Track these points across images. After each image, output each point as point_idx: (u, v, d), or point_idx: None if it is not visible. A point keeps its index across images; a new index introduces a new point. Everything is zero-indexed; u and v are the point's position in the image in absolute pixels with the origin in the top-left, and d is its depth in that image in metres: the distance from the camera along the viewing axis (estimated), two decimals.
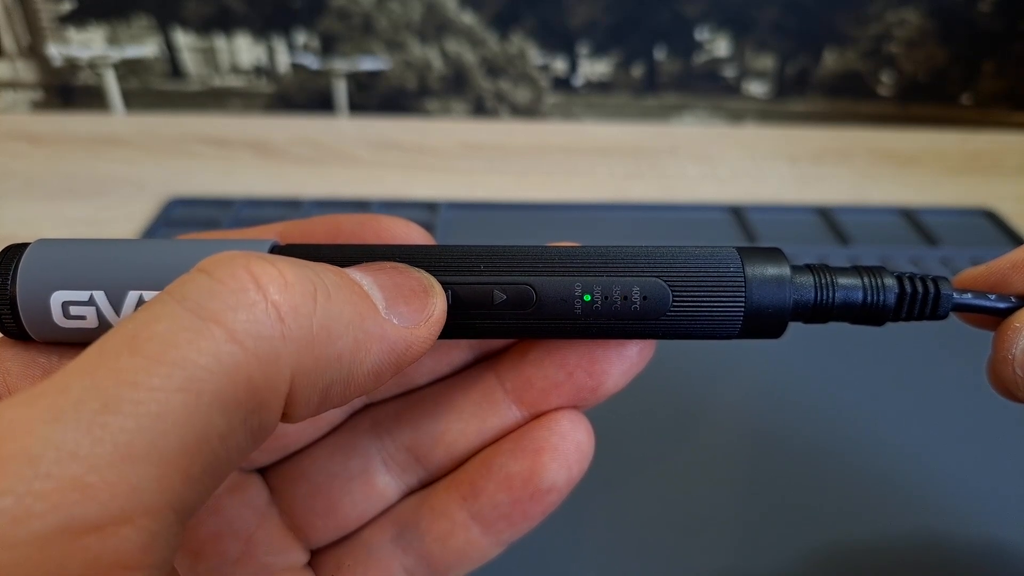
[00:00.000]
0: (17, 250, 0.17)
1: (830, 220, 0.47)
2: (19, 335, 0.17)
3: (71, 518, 0.10)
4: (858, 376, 0.34)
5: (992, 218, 0.48)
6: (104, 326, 0.17)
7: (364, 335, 0.14)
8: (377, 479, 0.20)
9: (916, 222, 0.46)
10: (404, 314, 0.15)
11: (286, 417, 0.14)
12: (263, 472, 0.21)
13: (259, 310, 0.12)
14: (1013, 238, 0.46)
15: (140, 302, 0.16)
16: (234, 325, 0.12)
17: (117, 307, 0.16)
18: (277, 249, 0.17)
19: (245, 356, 0.12)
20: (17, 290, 0.16)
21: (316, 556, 0.20)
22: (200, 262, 0.13)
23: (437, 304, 0.16)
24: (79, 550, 0.10)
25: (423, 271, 0.16)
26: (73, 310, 0.16)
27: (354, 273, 0.15)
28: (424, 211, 0.46)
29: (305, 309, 0.13)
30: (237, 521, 0.19)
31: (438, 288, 0.16)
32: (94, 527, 0.10)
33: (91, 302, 0.16)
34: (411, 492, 0.20)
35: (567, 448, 0.18)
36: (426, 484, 0.20)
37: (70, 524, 0.10)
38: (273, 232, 0.19)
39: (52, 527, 0.10)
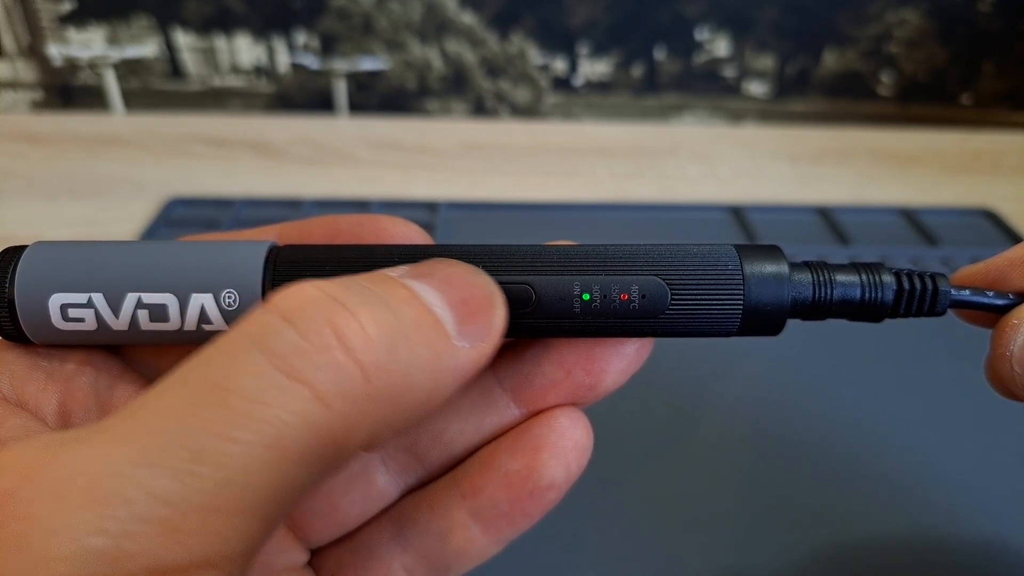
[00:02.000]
0: (15, 252, 0.17)
1: (830, 220, 0.47)
2: (17, 337, 0.17)
3: (160, 561, 0.11)
4: (857, 374, 0.34)
5: (992, 218, 0.48)
6: (103, 328, 0.17)
7: (441, 373, 0.14)
8: (376, 478, 0.20)
9: (916, 222, 0.46)
10: (472, 334, 0.15)
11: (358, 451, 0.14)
12: None
13: (344, 371, 0.13)
14: (1013, 238, 0.46)
15: (139, 304, 0.16)
16: (320, 387, 0.12)
17: (116, 309, 0.16)
18: (276, 250, 0.17)
19: (329, 416, 0.12)
20: (15, 293, 0.16)
21: (316, 555, 0.20)
22: (278, 300, 0.13)
23: (501, 315, 0.16)
24: None
25: (482, 273, 0.16)
26: (72, 312, 0.16)
27: (425, 291, 0.15)
28: (424, 211, 0.46)
29: (388, 364, 0.13)
30: None
31: (500, 296, 0.16)
32: (179, 570, 0.11)
33: (89, 304, 0.16)
34: (410, 491, 0.20)
35: (566, 445, 0.18)
36: (425, 483, 0.20)
37: (158, 566, 0.11)
38: (272, 233, 0.19)
39: (142, 569, 0.11)
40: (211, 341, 0.13)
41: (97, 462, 0.11)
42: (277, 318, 0.13)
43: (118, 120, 0.60)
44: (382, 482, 0.20)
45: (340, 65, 0.59)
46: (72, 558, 0.10)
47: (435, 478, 0.20)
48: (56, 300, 0.16)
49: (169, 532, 0.11)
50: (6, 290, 0.16)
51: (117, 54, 0.58)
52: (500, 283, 0.17)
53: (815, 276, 0.17)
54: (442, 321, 0.14)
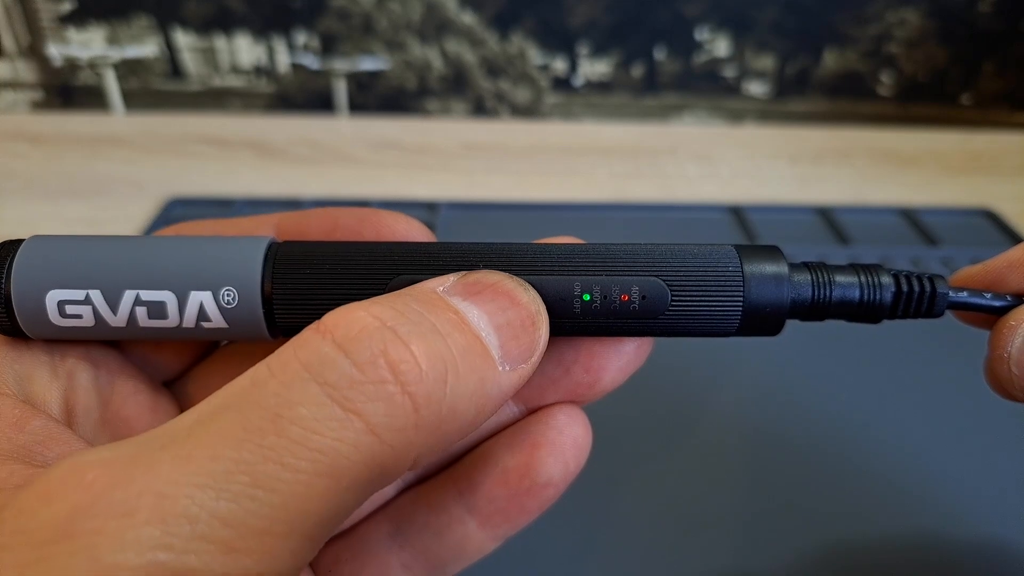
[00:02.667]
0: (11, 247, 0.17)
1: (830, 220, 0.47)
2: (14, 333, 0.17)
3: None
4: (855, 375, 0.34)
5: (992, 218, 0.48)
6: (100, 325, 0.17)
7: (484, 399, 0.14)
8: None
9: (916, 222, 0.46)
10: (516, 357, 0.15)
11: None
12: None
13: (396, 404, 0.13)
14: (1013, 238, 0.46)
15: (137, 301, 0.16)
16: (374, 420, 0.13)
17: (114, 306, 0.16)
18: (275, 246, 0.17)
19: (381, 447, 0.13)
20: (12, 288, 0.16)
21: None
22: (332, 327, 0.13)
23: (543, 335, 0.16)
24: None
25: (530, 289, 0.16)
26: (69, 309, 0.16)
27: (473, 314, 0.15)
28: (424, 211, 0.46)
29: (437, 395, 0.13)
30: None
31: (544, 315, 0.16)
32: None
33: (87, 301, 0.16)
34: (408, 487, 0.20)
35: (564, 442, 0.18)
36: (423, 479, 0.20)
37: None
38: (270, 224, 0.19)
39: None
40: (263, 363, 0.13)
41: (163, 482, 0.12)
42: (332, 347, 0.13)
43: (118, 120, 0.60)
44: None
45: (340, 65, 0.59)
46: (139, 569, 0.11)
47: (433, 475, 0.20)
48: (53, 296, 0.16)
49: (228, 551, 0.11)
50: (2, 285, 0.16)
51: (117, 54, 0.58)
52: None
53: (814, 277, 0.17)
54: (489, 347, 0.15)
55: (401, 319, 0.14)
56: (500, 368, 0.15)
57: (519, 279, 0.16)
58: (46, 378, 0.17)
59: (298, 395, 0.13)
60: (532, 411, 0.19)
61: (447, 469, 0.20)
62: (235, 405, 0.13)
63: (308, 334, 0.13)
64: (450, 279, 0.16)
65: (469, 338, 0.15)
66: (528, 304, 0.16)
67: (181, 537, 0.11)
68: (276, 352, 0.13)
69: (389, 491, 0.20)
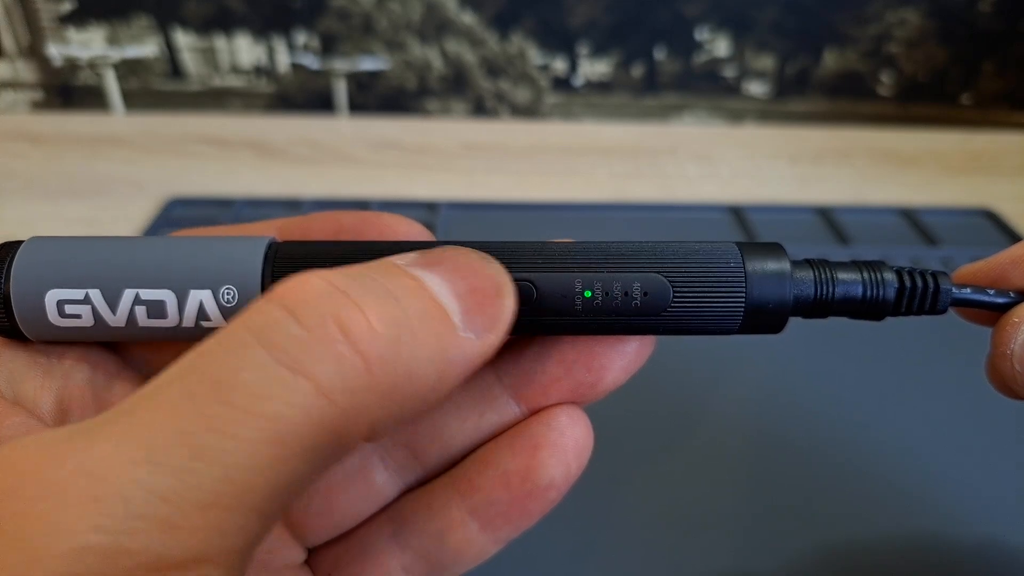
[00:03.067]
0: (11, 248, 0.17)
1: (830, 220, 0.46)
2: (13, 334, 0.17)
3: (158, 557, 0.11)
4: (858, 373, 0.34)
5: (992, 218, 0.48)
6: (100, 325, 0.16)
7: (445, 364, 0.14)
8: (375, 476, 0.20)
9: (916, 222, 0.46)
10: (479, 325, 0.15)
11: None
12: None
13: (347, 363, 0.12)
14: (1013, 238, 0.46)
15: (136, 300, 0.16)
16: (323, 380, 0.12)
17: (113, 305, 0.16)
18: (275, 246, 0.17)
19: (332, 410, 0.12)
20: (11, 289, 0.16)
21: (313, 554, 0.20)
22: (281, 292, 0.13)
23: (509, 306, 0.15)
24: None
25: (493, 261, 0.16)
26: (68, 308, 0.16)
27: (431, 280, 0.14)
28: (424, 211, 0.46)
29: (390, 355, 0.13)
30: None
31: (510, 284, 0.15)
32: (178, 565, 0.11)
33: (87, 300, 0.16)
34: (409, 489, 0.20)
35: (565, 444, 0.18)
36: (424, 481, 0.20)
37: (157, 562, 0.11)
38: (272, 229, 0.19)
39: (141, 565, 0.11)
40: (211, 334, 0.13)
41: (96, 460, 0.11)
42: (280, 310, 0.13)
43: (118, 120, 0.60)
44: (380, 480, 0.20)
45: (340, 65, 0.59)
46: (70, 555, 0.10)
47: (434, 477, 0.20)
48: (53, 296, 0.16)
49: (168, 529, 0.11)
50: (1, 286, 0.16)
51: (117, 54, 0.58)
52: None
53: (817, 274, 0.17)
54: (448, 312, 0.14)
55: (354, 284, 0.13)
56: (462, 334, 0.14)
57: (484, 253, 0.16)
58: (39, 379, 0.17)
59: (242, 360, 0.12)
60: (533, 412, 0.19)
61: (448, 471, 0.20)
62: (179, 375, 0.12)
63: (258, 302, 0.13)
64: (411, 254, 0.15)
65: (426, 302, 0.14)
66: (491, 274, 0.15)
67: (115, 517, 0.11)
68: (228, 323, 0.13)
69: (390, 493, 0.20)
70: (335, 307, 0.13)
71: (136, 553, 0.11)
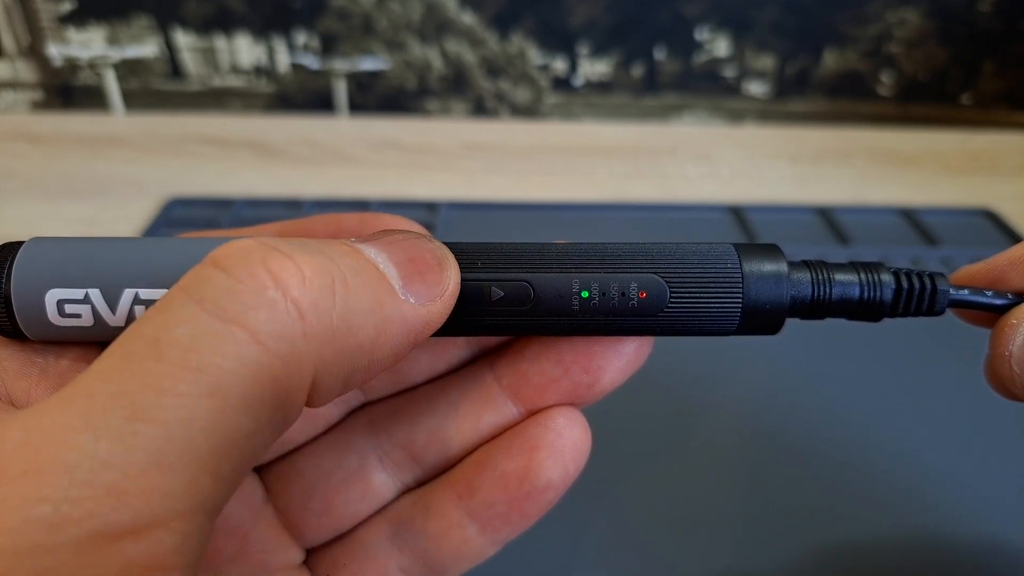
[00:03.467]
0: (12, 248, 0.17)
1: (830, 220, 0.46)
2: (13, 334, 0.17)
3: (107, 524, 0.11)
4: (856, 374, 0.34)
5: (992, 218, 0.48)
6: (100, 324, 0.16)
7: (384, 321, 0.14)
8: (373, 477, 0.20)
9: (916, 222, 0.46)
10: (420, 291, 0.15)
11: (307, 404, 0.14)
12: (259, 470, 0.21)
13: (280, 309, 0.12)
14: (1013, 238, 0.46)
15: (136, 300, 0.16)
16: (256, 326, 0.12)
17: (113, 305, 0.16)
18: None
19: (268, 357, 0.12)
20: (12, 288, 0.16)
21: (312, 555, 0.20)
22: (212, 254, 0.13)
23: (451, 277, 0.16)
24: (115, 554, 0.11)
25: (434, 239, 0.16)
26: (68, 308, 0.16)
27: (368, 250, 0.15)
28: (424, 211, 0.46)
29: (325, 304, 0.13)
30: (232, 519, 0.19)
31: (451, 259, 0.16)
32: (129, 531, 0.11)
33: (86, 300, 0.16)
34: (407, 490, 0.20)
35: (563, 445, 0.18)
36: (422, 482, 0.20)
37: (106, 529, 0.11)
38: (272, 231, 0.19)
39: (88, 533, 0.10)
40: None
41: (37, 432, 0.11)
42: (211, 267, 0.13)
43: (118, 120, 0.60)
44: (378, 481, 0.20)
45: (340, 65, 0.59)
46: (14, 530, 0.10)
47: (432, 478, 0.20)
48: (52, 296, 0.16)
49: (114, 494, 0.11)
50: (2, 286, 0.16)
51: (117, 54, 0.58)
52: (498, 280, 0.17)
53: (814, 275, 0.17)
54: (386, 275, 0.14)
55: (285, 244, 0.13)
56: (402, 296, 0.14)
57: (424, 232, 0.16)
58: (35, 378, 0.17)
59: (174, 316, 0.12)
60: (531, 413, 0.19)
61: (446, 472, 0.20)
62: (118, 343, 0.12)
63: (194, 267, 0.13)
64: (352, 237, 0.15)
65: (361, 261, 0.14)
66: (430, 247, 0.16)
67: (59, 487, 0.10)
68: None
69: (388, 494, 0.20)
70: (264, 257, 0.13)
71: (82, 521, 0.10)
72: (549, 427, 0.18)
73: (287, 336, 0.12)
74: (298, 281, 0.13)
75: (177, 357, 0.11)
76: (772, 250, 0.17)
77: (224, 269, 0.13)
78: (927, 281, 0.18)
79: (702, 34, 0.58)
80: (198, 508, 0.11)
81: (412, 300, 0.15)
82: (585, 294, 0.17)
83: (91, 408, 0.11)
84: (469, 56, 0.59)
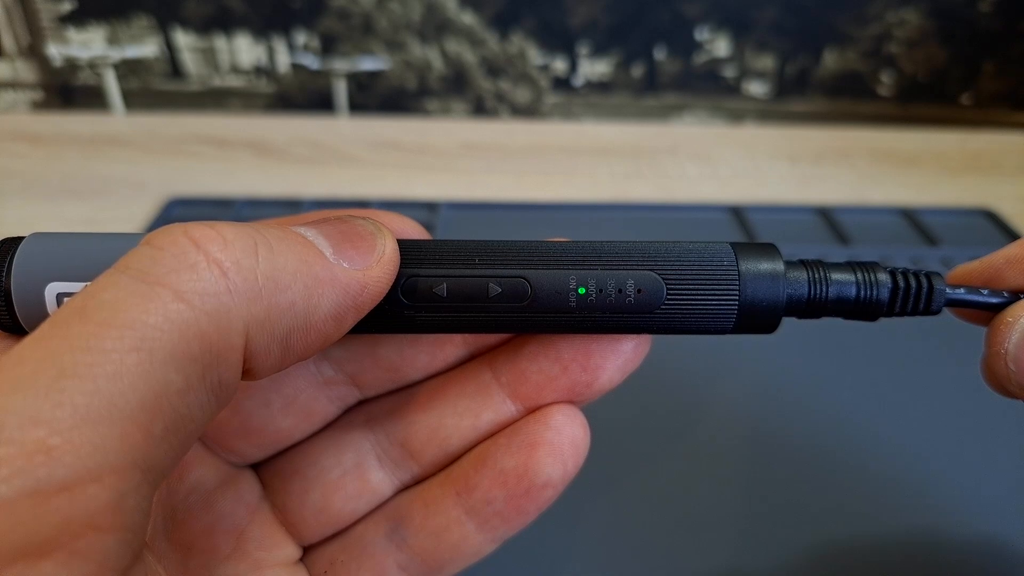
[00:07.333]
0: (12, 243, 0.17)
1: (830, 220, 0.46)
2: (13, 328, 0.17)
3: (38, 480, 0.11)
4: (853, 374, 0.34)
5: (992, 218, 0.48)
6: None
7: (314, 281, 0.14)
8: (370, 474, 0.20)
9: (916, 222, 0.46)
10: (354, 257, 0.15)
11: (251, 372, 0.14)
12: (256, 468, 0.21)
13: (202, 268, 0.13)
14: (1013, 238, 0.46)
15: None
16: (179, 285, 0.12)
17: None
18: None
19: (193, 313, 0.12)
20: (12, 283, 0.16)
21: (309, 552, 0.20)
22: (145, 236, 0.14)
23: (387, 244, 0.16)
24: (49, 512, 0.11)
25: (369, 219, 0.16)
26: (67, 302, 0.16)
27: (298, 228, 0.15)
28: (424, 211, 0.46)
29: (247, 262, 0.13)
30: (229, 516, 0.19)
31: (385, 231, 0.16)
32: (62, 487, 0.11)
33: None
34: (405, 488, 0.20)
35: (562, 443, 0.18)
36: (420, 480, 0.20)
37: (37, 487, 0.11)
38: None
39: (19, 490, 0.10)
40: None
41: None
42: (140, 245, 0.13)
43: (118, 120, 0.60)
44: (376, 479, 0.20)
45: (340, 65, 0.59)
46: None
47: (430, 475, 0.20)
48: (52, 290, 0.16)
49: (43, 451, 0.11)
50: (2, 280, 0.16)
51: (117, 54, 0.58)
52: (496, 276, 0.17)
53: (811, 274, 0.17)
54: (312, 242, 0.15)
55: (213, 221, 0.14)
56: (332, 260, 0.15)
57: (363, 217, 0.16)
58: None
59: (103, 285, 0.12)
60: (530, 411, 0.19)
61: (444, 470, 0.20)
62: (50, 316, 0.12)
63: None
64: None
65: (285, 231, 0.15)
66: (361, 223, 0.16)
67: None
68: None
69: (385, 491, 0.20)
70: (186, 229, 0.13)
71: (11, 479, 0.10)
72: (548, 424, 0.19)
73: (211, 292, 0.13)
74: (219, 245, 0.13)
75: (102, 317, 0.12)
76: (769, 249, 0.17)
77: (148, 243, 0.13)
78: (923, 280, 0.18)
79: (702, 34, 0.58)
80: (132, 465, 0.11)
81: (346, 265, 0.15)
82: (582, 291, 0.17)
83: (20, 371, 0.11)
84: (469, 56, 0.59)
